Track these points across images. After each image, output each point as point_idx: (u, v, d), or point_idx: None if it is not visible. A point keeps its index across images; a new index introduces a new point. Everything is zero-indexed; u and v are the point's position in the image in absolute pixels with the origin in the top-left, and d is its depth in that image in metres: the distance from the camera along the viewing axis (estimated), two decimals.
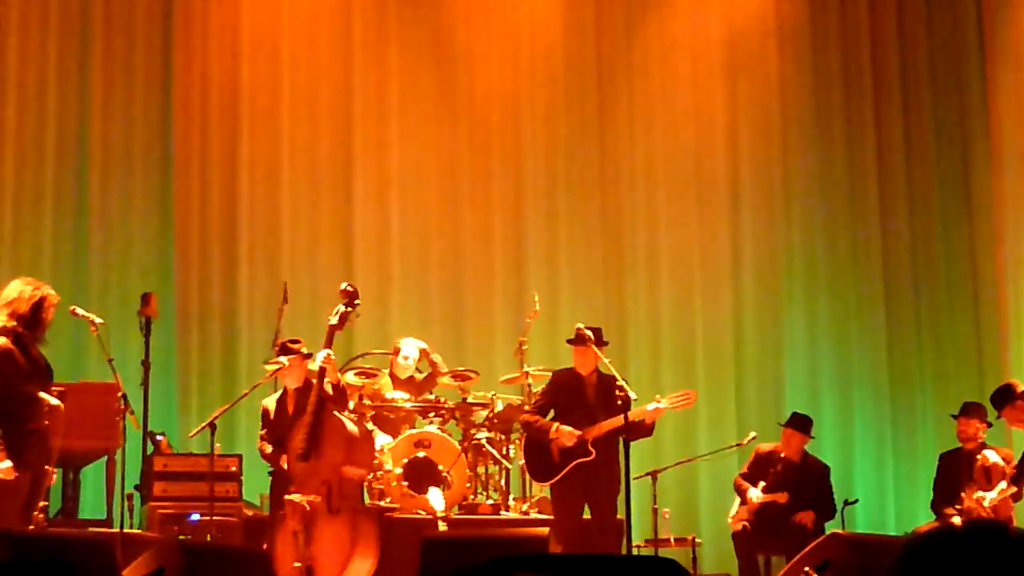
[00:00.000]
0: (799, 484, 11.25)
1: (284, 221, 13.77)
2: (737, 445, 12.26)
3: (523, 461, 10.77)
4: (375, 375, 11.93)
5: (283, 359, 10.13)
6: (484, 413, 11.79)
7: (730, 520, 11.45)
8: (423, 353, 12.04)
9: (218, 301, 13.39)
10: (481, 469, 11.72)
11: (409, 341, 12.05)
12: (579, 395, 10.36)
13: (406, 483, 10.96)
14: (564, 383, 10.47)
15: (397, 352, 11.96)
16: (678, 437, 13.86)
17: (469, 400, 11.90)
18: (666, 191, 14.67)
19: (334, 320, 10.05)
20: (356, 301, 10.24)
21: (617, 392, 9.80)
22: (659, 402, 10.09)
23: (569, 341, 10.46)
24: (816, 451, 12.13)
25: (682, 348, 14.44)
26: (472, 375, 12.04)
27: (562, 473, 10.16)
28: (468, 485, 11.35)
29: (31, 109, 13.28)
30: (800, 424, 11.55)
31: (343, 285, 10.40)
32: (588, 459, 10.03)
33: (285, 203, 13.77)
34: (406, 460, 11.04)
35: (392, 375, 11.94)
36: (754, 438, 11.84)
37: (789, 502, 11.14)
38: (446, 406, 11.67)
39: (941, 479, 11.71)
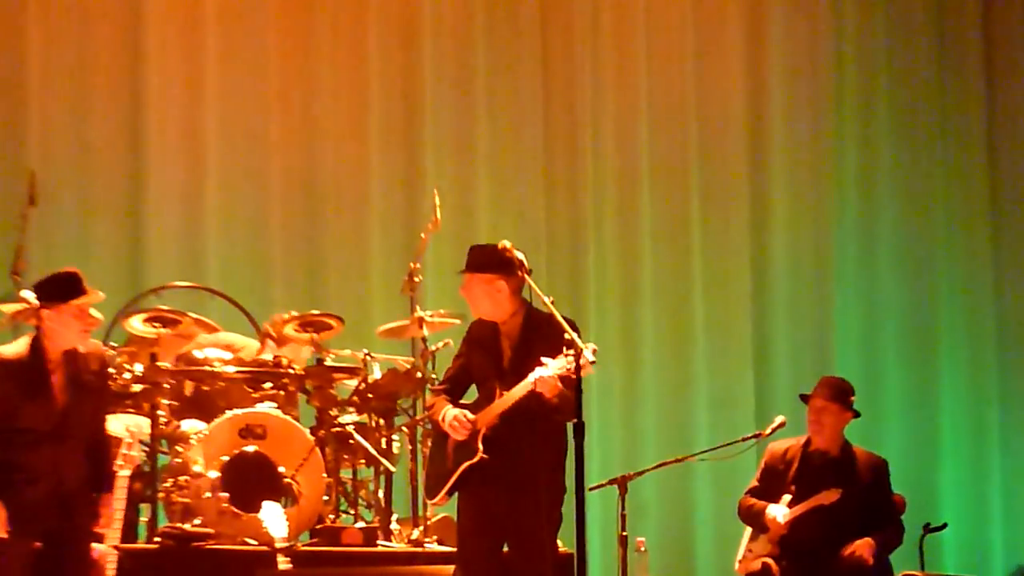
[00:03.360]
0: (842, 489, 10.56)
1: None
2: (755, 436, 11.50)
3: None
4: (179, 321, 11.42)
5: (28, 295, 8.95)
6: (352, 383, 11.36)
7: (738, 565, 11.03)
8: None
9: None
10: (347, 473, 11.48)
11: None
12: (495, 355, 9.44)
13: (226, 495, 10.66)
14: (482, 337, 9.57)
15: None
16: (662, 425, 13.70)
17: (328, 363, 11.36)
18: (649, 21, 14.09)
19: None
20: None
21: (565, 349, 8.76)
22: (544, 367, 8.89)
23: (461, 271, 9.39)
24: (878, 449, 11.58)
25: (672, 283, 14.00)
26: (332, 323, 11.48)
27: (447, 485, 9.37)
28: (325, 498, 11.06)
29: None
30: (835, 392, 10.87)
31: None
32: (474, 461, 9.19)
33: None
34: (227, 458, 10.71)
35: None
36: (781, 426, 11.14)
37: (829, 522, 10.55)
38: (291, 372, 11.18)
39: None
